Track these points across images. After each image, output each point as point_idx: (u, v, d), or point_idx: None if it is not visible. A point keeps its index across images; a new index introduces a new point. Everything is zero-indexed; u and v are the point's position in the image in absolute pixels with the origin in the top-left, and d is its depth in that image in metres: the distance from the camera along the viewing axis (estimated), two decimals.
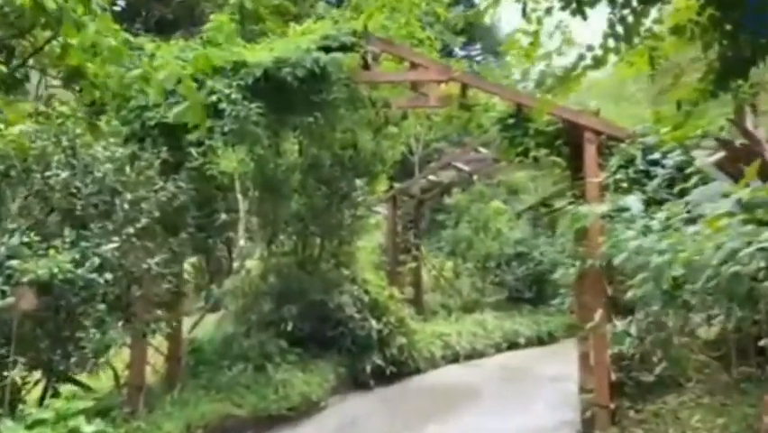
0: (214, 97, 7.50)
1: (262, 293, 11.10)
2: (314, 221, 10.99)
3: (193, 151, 7.46)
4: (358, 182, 10.96)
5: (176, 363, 8.85)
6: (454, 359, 13.47)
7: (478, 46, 32.24)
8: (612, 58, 4.26)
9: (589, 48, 4.23)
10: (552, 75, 9.71)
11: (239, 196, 12.44)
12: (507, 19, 32.55)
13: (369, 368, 11.12)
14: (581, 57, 4.23)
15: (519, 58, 4.69)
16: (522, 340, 15.30)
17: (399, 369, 11.68)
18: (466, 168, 14.07)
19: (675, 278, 5.42)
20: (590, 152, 7.72)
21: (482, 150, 13.73)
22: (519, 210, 18.35)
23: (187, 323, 10.82)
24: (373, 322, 11.38)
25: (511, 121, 8.18)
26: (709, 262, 4.78)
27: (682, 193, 7.23)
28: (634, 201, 6.41)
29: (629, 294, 5.84)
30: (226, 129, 7.45)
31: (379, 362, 11.29)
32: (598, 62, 4.22)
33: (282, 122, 8.54)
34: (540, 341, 15.77)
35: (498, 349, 14.67)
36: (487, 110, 8.40)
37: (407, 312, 12.71)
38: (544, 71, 9.77)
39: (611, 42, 4.15)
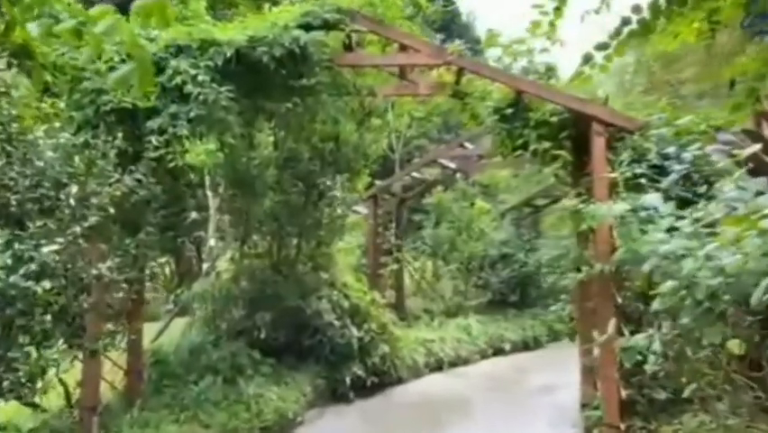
0: (178, 79, 6.60)
1: (233, 298, 10.21)
2: (290, 220, 10.11)
3: (153, 139, 6.55)
4: (338, 179, 10.13)
5: (136, 377, 7.93)
6: (438, 367, 12.74)
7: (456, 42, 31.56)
8: (661, 23, 3.49)
9: (636, 9, 3.45)
10: (534, 72, 9.00)
11: (209, 192, 11.56)
12: (482, 18, 31.94)
13: (348, 379, 10.29)
14: (626, 21, 3.45)
15: (539, 38, 3.88)
16: (507, 346, 14.70)
17: (381, 379, 10.89)
18: (451, 165, 13.31)
19: (711, 287, 4.72)
20: (599, 144, 6.98)
21: (468, 145, 13.01)
22: (503, 210, 17.64)
23: (153, 330, 9.97)
24: (353, 329, 10.57)
25: (510, 111, 7.42)
26: (765, 269, 4.07)
27: (697, 192, 6.59)
28: (656, 199, 5.67)
29: (656, 305, 5.10)
30: (192, 115, 6.57)
31: (360, 372, 10.47)
32: (646, 29, 3.44)
33: (256, 108, 7.66)
34: (525, 346, 15.19)
35: (484, 355, 14.01)
36: (483, 98, 7.61)
37: (389, 318, 11.93)
38: (528, 68, 9.09)
39: (662, 3, 3.38)
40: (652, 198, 5.69)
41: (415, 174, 13.65)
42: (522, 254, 16.35)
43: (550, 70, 23.08)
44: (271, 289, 10.01)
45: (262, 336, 9.75)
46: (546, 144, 7.14)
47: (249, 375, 9.06)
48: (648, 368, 5.52)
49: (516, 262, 16.11)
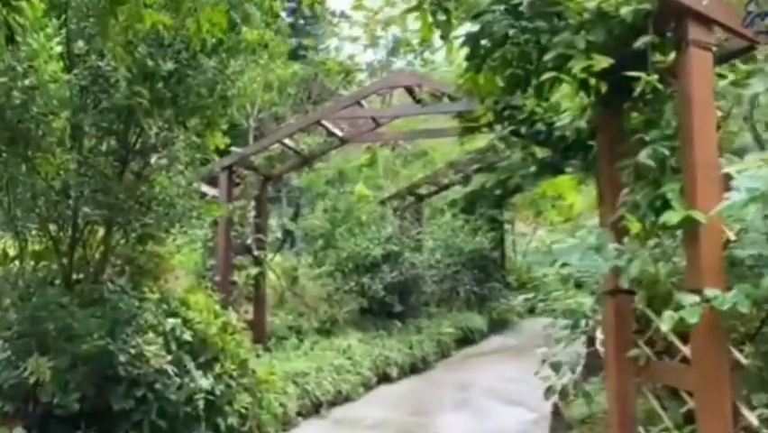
0: None
1: None
2: (93, 198, 5.90)
3: None
4: (180, 133, 6.06)
5: None
6: (315, 409, 9.19)
7: None
8: None
9: None
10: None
11: None
12: None
13: None
14: None
15: None
16: (394, 371, 11.53)
17: None
18: (338, 131, 9.63)
19: None
20: (700, 63, 3.71)
21: (365, 104, 9.43)
22: (382, 198, 14.27)
23: None
24: (198, 376, 6.63)
25: None
26: None
27: None
28: None
29: None
30: None
31: None
32: None
33: None
34: (413, 368, 12.11)
35: (368, 386, 10.67)
36: None
37: (250, 346, 8.14)
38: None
39: None
40: None
41: (287, 141, 9.72)
42: (408, 253, 13.11)
43: (425, 41, 20.03)
44: (57, 317, 5.77)
45: (42, 399, 5.57)
46: (605, 62, 3.75)
47: None
48: None
49: (402, 263, 12.80)
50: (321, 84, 17.10)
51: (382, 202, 14.14)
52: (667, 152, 3.84)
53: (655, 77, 3.62)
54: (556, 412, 7.30)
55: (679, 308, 3.59)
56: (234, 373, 7.19)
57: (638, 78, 3.83)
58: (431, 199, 16.22)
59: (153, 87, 5.34)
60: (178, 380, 6.39)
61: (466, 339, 14.67)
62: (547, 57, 3.85)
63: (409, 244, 13.32)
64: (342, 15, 22.57)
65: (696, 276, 3.63)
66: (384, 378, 11.20)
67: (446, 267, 15.22)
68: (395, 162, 15.34)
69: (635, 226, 3.79)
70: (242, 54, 5.86)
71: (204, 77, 5.61)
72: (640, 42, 3.69)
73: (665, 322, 3.41)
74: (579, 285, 6.18)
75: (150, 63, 5.18)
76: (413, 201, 15.02)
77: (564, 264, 5.81)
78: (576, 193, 15.58)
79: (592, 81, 4.20)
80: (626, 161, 4.09)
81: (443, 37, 4.75)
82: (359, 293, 12.51)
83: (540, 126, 8.16)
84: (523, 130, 8.29)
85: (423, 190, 15.30)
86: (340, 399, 9.80)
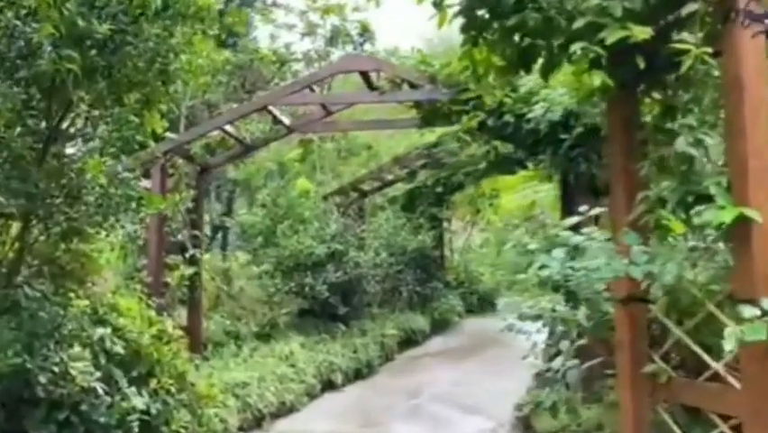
0: None
1: None
2: (7, 186, 4.92)
3: None
4: (115, 112, 5.14)
5: None
6: (257, 423, 8.44)
7: None
8: None
9: None
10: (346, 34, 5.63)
11: None
12: None
13: None
14: None
15: None
16: (339, 377, 10.88)
17: None
18: (285, 120, 8.81)
19: None
20: (750, 42, 3.20)
21: (316, 89, 8.66)
22: (325, 194, 13.53)
23: None
24: (131, 394, 5.77)
25: None
26: None
27: None
28: None
29: None
30: None
31: None
32: None
33: None
34: (358, 374, 11.48)
35: (312, 395, 9.98)
36: None
37: (187, 358, 7.27)
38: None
39: None
40: None
41: (228, 128, 8.81)
42: (353, 252, 12.44)
43: (366, 32, 19.30)
44: None
45: None
46: (645, 33, 3.19)
47: None
48: None
49: (347, 262, 12.10)
50: (257, 72, 16.10)
51: (325, 198, 13.41)
52: (710, 141, 3.32)
53: (708, 49, 3.07)
54: (527, 425, 6.84)
55: (712, 322, 3.11)
56: (172, 389, 6.35)
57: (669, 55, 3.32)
58: (375, 196, 15.59)
59: (84, 55, 4.43)
60: (108, 399, 5.50)
61: (409, 341, 14.21)
62: (576, 25, 3.26)
63: (353, 243, 12.64)
64: (274, 4, 21.61)
65: (748, 284, 3.12)
66: (329, 385, 10.55)
67: (389, 266, 14.63)
68: (336, 156, 14.61)
69: (678, 227, 3.23)
70: (190, 22, 5.04)
71: (144, 45, 4.75)
72: (688, 10, 3.15)
73: (728, 341, 2.88)
74: (556, 289, 5.60)
75: (81, 24, 4.27)
76: (356, 197, 14.33)
77: (543, 267, 5.25)
78: (512, 192, 15.21)
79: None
80: (661, 150, 3.55)
81: (437, 4, 4.10)
82: (300, 294, 11.76)
83: (509, 118, 7.68)
84: (490, 122, 7.79)
85: (367, 186, 14.64)
86: (284, 410, 9.09)
